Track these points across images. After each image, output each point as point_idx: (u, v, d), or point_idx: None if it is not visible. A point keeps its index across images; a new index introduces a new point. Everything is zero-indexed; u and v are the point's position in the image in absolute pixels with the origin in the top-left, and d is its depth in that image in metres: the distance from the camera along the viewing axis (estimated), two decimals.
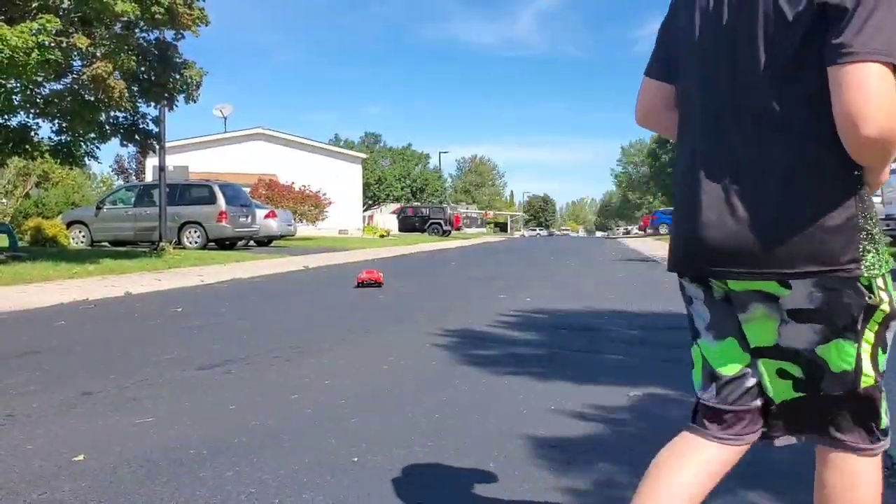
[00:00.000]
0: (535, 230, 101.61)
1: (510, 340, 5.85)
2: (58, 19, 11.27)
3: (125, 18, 12.87)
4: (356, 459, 2.91)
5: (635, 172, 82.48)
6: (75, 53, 12.61)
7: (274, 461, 2.89)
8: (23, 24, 11.05)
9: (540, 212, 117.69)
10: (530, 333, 6.21)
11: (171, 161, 22.53)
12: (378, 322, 6.98)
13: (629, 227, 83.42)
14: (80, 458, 2.92)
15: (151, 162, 30.61)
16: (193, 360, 4.97)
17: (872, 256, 1.39)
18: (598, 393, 4.00)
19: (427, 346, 5.50)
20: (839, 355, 1.44)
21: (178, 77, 14.82)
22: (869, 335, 1.44)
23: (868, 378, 1.45)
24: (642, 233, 54.93)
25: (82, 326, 6.67)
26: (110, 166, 51.68)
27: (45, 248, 17.25)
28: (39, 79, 12.62)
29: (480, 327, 6.50)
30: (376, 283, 10.33)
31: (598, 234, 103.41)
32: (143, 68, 14.13)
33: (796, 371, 1.49)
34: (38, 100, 13.64)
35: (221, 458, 2.93)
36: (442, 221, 45.83)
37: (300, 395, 3.95)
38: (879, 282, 1.42)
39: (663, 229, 45.39)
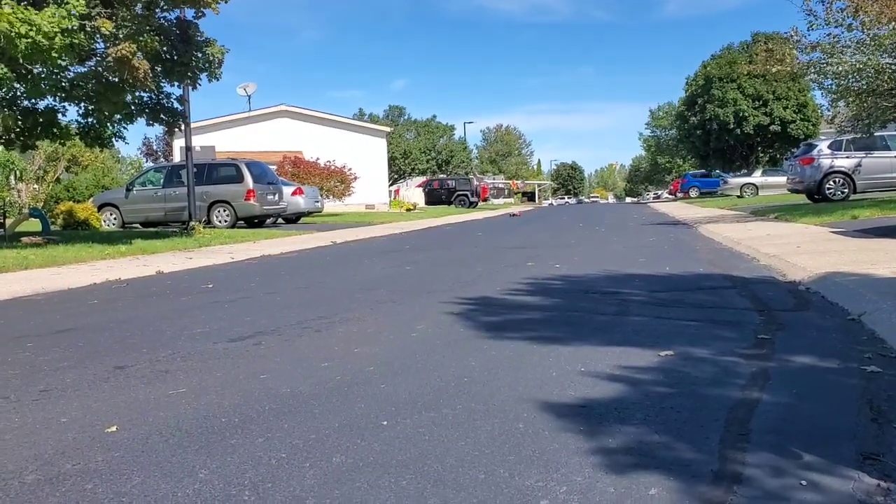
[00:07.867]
0: (563, 198, 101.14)
1: (538, 306, 5.81)
2: (82, 1, 11.26)
3: None
4: (385, 423, 2.91)
5: (664, 136, 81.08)
6: (98, 36, 12.65)
7: (304, 426, 2.89)
8: (50, 9, 11.08)
9: (568, 179, 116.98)
10: (559, 299, 6.17)
11: (198, 141, 22.71)
12: (406, 292, 6.98)
13: (659, 192, 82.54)
14: (113, 429, 2.95)
15: (178, 143, 30.91)
16: (224, 333, 5.00)
17: None
18: (628, 354, 3.95)
19: (455, 314, 5.48)
20: None
21: (200, 55, 14.84)
22: None
23: None
24: (672, 197, 54.32)
25: (115, 304, 6.75)
26: (138, 148, 52.33)
27: (77, 231, 17.51)
28: (64, 63, 12.70)
29: (509, 294, 6.46)
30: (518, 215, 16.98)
31: (628, 199, 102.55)
32: (165, 48, 14.15)
33: None
34: (63, 83, 13.74)
35: (252, 425, 2.95)
36: (468, 193, 45.54)
37: (330, 364, 3.96)
38: None
39: (694, 192, 44.82)
